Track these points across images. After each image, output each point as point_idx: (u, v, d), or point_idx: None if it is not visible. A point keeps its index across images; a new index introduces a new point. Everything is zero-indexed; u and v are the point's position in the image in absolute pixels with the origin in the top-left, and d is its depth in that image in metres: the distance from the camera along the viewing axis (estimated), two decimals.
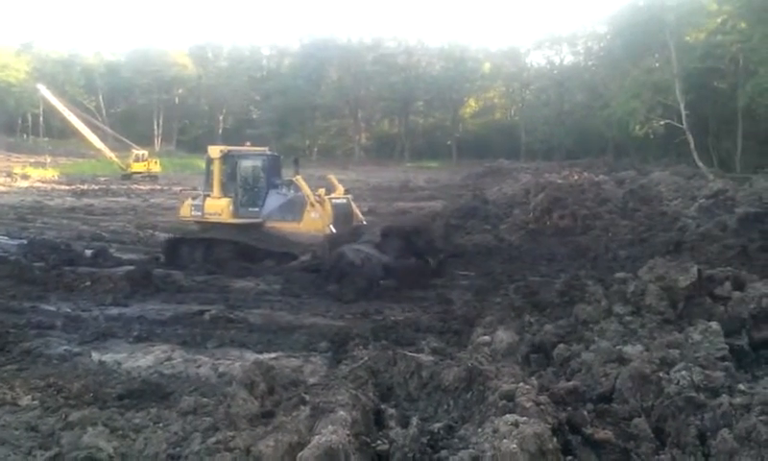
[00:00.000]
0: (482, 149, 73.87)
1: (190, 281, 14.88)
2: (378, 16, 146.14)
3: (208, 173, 18.34)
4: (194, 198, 19.03)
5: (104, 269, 15.80)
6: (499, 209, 23.98)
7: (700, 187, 25.58)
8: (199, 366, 9.01)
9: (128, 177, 53.61)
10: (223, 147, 18.22)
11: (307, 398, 5.74)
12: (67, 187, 44.24)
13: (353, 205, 17.76)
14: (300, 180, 17.00)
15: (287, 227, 16.91)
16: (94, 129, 57.66)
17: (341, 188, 18.00)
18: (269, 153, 19.14)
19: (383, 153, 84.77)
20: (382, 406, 5.89)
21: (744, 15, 41.64)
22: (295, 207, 16.96)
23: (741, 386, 6.10)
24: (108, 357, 9.40)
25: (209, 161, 18.18)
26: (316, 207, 16.44)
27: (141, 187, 46.40)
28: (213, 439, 5.27)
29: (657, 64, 51.55)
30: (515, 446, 4.58)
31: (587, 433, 5.36)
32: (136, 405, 7.20)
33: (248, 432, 5.27)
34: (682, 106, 45.06)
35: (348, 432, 5.00)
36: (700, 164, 42.48)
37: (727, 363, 6.70)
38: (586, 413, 5.67)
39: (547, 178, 30.24)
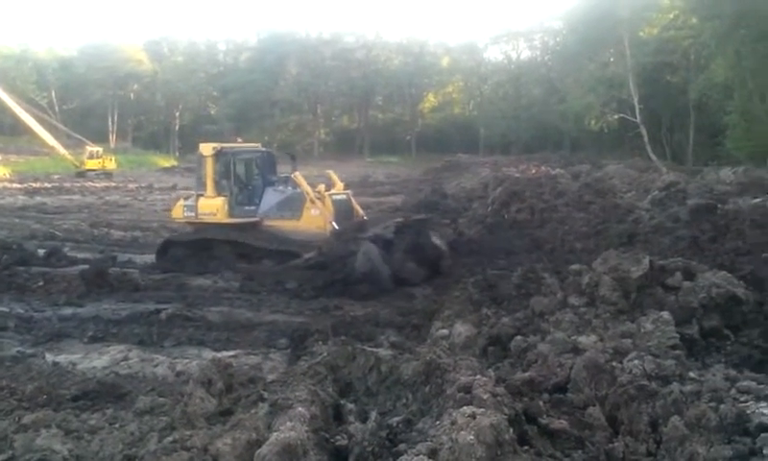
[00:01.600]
0: (441, 143, 74.36)
1: (147, 280, 14.69)
2: (336, 11, 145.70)
3: (200, 171, 17.60)
4: (186, 198, 18.23)
5: (57, 268, 15.49)
6: (458, 203, 24.18)
7: (653, 180, 26.00)
8: (156, 365, 8.91)
9: (82, 174, 52.51)
10: (216, 144, 17.49)
11: (266, 395, 5.73)
12: (19, 185, 43.13)
13: (353, 200, 17.28)
14: (298, 176, 16.52)
15: (286, 225, 16.38)
16: (47, 126, 56.36)
17: (340, 184, 17.45)
18: (263, 149, 18.62)
19: (343, 148, 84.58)
20: (341, 402, 5.91)
21: (695, 11, 42.59)
22: (294, 204, 16.46)
23: (691, 374, 6.26)
24: (62, 358, 9.23)
25: (201, 159, 17.48)
26: (316, 204, 15.96)
27: (96, 185, 45.47)
28: (170, 438, 5.22)
29: (611, 59, 52.48)
30: (471, 437, 4.62)
31: (542, 423, 5.45)
32: (92, 406, 7.07)
33: (205, 431, 5.23)
34: (635, 100, 45.96)
35: (306, 428, 5.00)
36: (653, 157, 43.36)
37: (678, 352, 6.87)
38: (541, 403, 5.76)
39: (505, 172, 30.57)
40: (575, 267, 9.40)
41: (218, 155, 17.11)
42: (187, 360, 9.11)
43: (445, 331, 8.84)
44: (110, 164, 56.13)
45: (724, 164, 32.60)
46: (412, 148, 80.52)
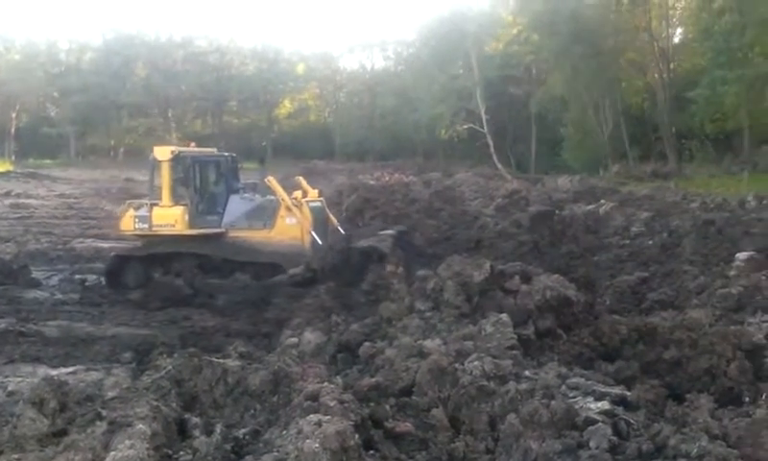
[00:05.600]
0: (297, 150, 74.08)
1: None
2: (188, 14, 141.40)
3: (154, 178, 15.67)
4: (137, 208, 16.10)
5: None
6: None
7: (498, 188, 27.37)
8: None
9: None
10: (173, 148, 15.77)
11: (104, 413, 5.47)
12: None
13: (327, 209, 16.35)
14: (272, 181, 15.16)
15: (256, 235, 14.91)
16: None
17: (313, 191, 16.18)
18: (226, 154, 16.87)
19: None
20: (186, 416, 5.76)
21: (535, 28, 45.20)
22: (265, 213, 15.07)
23: (527, 372, 6.64)
24: None
25: (155, 165, 15.51)
26: (293, 212, 14.69)
27: None
28: None
29: (460, 72, 54.43)
30: (317, 445, 4.67)
31: (388, 427, 5.59)
32: None
33: (36, 454, 4.95)
34: (482, 111, 47.95)
35: (147, 446, 4.84)
36: (499, 166, 45.37)
37: (515, 352, 7.26)
38: (387, 407, 5.91)
39: (360, 179, 31.11)
40: (422, 273, 9.69)
41: (176, 159, 15.32)
42: (20, 379, 8.56)
43: (295, 339, 8.85)
44: None
45: (562, 173, 34.81)
46: (268, 154, 79.75)
